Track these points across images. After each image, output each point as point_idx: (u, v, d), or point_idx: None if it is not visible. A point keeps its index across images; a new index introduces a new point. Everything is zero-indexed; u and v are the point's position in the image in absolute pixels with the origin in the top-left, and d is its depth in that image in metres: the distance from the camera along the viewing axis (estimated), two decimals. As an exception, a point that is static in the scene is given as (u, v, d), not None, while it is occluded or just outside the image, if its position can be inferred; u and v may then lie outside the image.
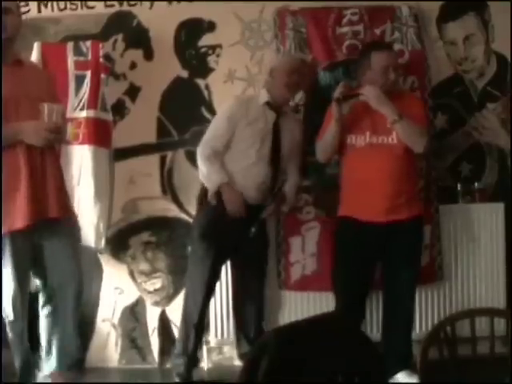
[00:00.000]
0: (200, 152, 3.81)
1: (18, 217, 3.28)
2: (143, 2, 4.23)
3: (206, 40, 4.26)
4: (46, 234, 3.41)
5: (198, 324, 3.85)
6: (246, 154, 3.79)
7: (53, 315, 3.51)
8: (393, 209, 3.72)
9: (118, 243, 4.26)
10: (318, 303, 4.18)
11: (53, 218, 3.38)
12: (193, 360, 3.90)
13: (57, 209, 3.39)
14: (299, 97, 4.14)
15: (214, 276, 3.88)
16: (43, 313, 3.53)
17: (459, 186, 4.33)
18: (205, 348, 4.14)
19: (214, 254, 3.80)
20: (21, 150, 3.29)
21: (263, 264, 4.03)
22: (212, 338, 4.15)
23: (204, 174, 3.80)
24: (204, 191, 3.87)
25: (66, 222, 3.50)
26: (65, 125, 3.50)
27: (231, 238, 3.81)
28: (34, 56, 4.00)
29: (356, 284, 3.80)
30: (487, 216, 4.22)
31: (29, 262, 3.41)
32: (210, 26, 4.26)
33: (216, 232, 3.79)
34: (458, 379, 2.48)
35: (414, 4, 4.22)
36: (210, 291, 3.88)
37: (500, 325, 2.59)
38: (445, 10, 4.29)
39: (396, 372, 3.76)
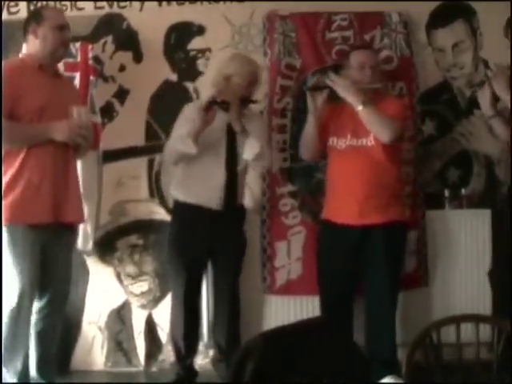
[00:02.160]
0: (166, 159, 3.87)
1: (39, 212, 3.38)
2: (133, 5, 4.22)
3: (196, 43, 4.26)
4: (55, 236, 3.48)
5: (185, 335, 3.83)
6: (202, 157, 3.72)
7: (41, 316, 3.53)
8: (366, 212, 3.74)
9: (106, 246, 4.25)
10: (303, 307, 4.18)
11: (67, 223, 3.53)
12: (189, 370, 3.89)
13: (74, 215, 3.54)
14: (287, 101, 4.16)
15: (191, 288, 3.84)
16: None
17: (446, 192, 4.34)
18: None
19: (185, 266, 3.78)
20: (48, 149, 3.42)
21: (237, 267, 3.95)
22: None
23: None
24: (174, 203, 3.89)
25: (75, 229, 3.71)
26: (91, 127, 3.65)
27: (199, 247, 3.79)
28: (23, 57, 3.98)
29: (337, 288, 3.83)
30: (474, 222, 4.23)
31: (39, 259, 3.45)
32: (200, 30, 4.26)
33: (182, 244, 3.79)
34: (443, 384, 2.49)
35: (404, 10, 4.24)
36: (190, 302, 3.85)
37: (485, 331, 2.61)
38: (434, 16, 4.31)
39: (381, 377, 3.77)
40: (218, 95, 3.74)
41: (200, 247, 3.79)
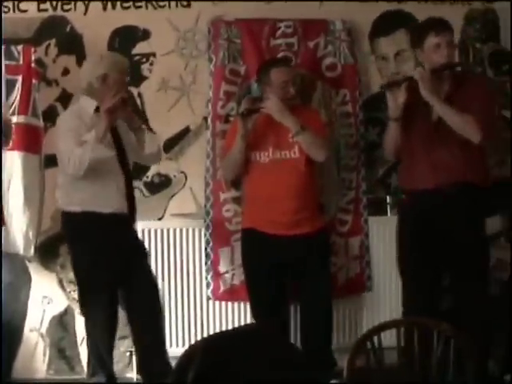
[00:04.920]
0: (75, 171, 3.58)
1: None
2: (77, 8, 4.18)
3: (140, 48, 4.24)
4: None
5: (108, 340, 3.77)
6: (94, 168, 3.56)
7: None
8: (296, 223, 3.81)
9: (48, 251, 4.19)
10: (247, 313, 4.19)
11: None
12: (112, 377, 3.83)
13: None
14: (231, 107, 4.18)
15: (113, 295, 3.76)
16: None
17: (388, 198, 4.41)
18: (134, 358, 4.10)
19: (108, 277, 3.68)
20: None
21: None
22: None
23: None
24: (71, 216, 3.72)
25: None
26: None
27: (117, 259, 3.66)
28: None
29: (267, 295, 3.88)
30: (415, 228, 4.29)
31: None
32: (145, 34, 4.24)
33: (101, 258, 3.65)
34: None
35: (348, 19, 4.29)
36: (111, 308, 3.76)
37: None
38: (377, 25, 4.37)
39: (320, 380, 3.80)
40: (94, 97, 3.64)
41: (117, 257, 3.67)
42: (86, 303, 3.75)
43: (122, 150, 3.73)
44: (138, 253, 3.79)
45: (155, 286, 3.81)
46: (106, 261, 3.62)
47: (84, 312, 3.82)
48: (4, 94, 3.96)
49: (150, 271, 3.83)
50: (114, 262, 3.64)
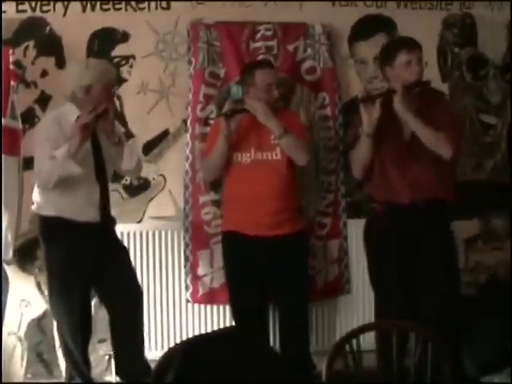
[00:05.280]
0: (42, 183, 3.55)
1: None
2: (57, 9, 4.15)
3: (120, 50, 4.23)
4: None
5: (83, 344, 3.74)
6: (67, 179, 3.50)
7: None
8: (277, 224, 3.83)
9: (26, 254, 4.16)
10: (227, 316, 4.20)
11: None
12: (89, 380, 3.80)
13: None
14: (210, 110, 4.18)
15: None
16: None
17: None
18: (113, 362, 4.09)
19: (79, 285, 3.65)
20: None
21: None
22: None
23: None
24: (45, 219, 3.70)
25: None
26: None
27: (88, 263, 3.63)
28: None
29: (248, 297, 3.88)
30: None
31: None
32: (124, 37, 4.23)
33: (74, 263, 3.61)
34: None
35: (327, 22, 4.31)
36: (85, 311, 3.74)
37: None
38: (356, 29, 4.39)
39: (299, 382, 3.80)
40: (77, 106, 3.57)
41: (88, 262, 3.63)
42: (56, 304, 3.70)
43: (102, 160, 3.67)
44: (115, 254, 3.75)
45: (136, 286, 3.78)
46: (78, 262, 3.58)
47: (54, 313, 3.76)
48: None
49: (130, 273, 3.80)
50: (87, 263, 3.60)
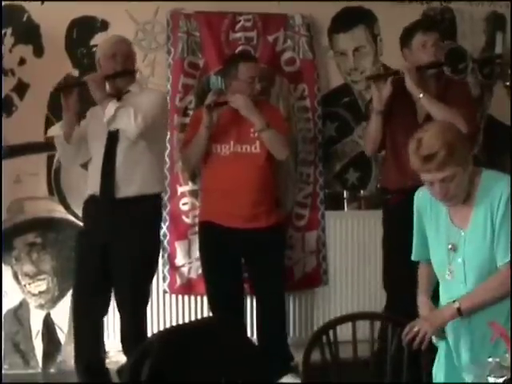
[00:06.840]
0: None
1: None
2: (35, -3, 4.12)
3: (99, 39, 4.18)
4: None
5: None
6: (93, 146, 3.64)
7: None
8: (253, 217, 3.84)
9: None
10: (204, 307, 4.20)
11: None
12: None
13: None
14: (189, 100, 4.17)
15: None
16: None
17: (346, 193, 4.44)
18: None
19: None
20: None
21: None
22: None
23: None
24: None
25: None
26: None
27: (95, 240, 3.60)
28: None
29: (223, 289, 3.88)
30: (372, 223, 4.32)
31: None
32: (103, 25, 4.20)
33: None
34: (339, 381, 2.55)
35: (307, 14, 4.31)
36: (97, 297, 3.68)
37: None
38: (336, 21, 4.39)
39: (277, 372, 3.81)
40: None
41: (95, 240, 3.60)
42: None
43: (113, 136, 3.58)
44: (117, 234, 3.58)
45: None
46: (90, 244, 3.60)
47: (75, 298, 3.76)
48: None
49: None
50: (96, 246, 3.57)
